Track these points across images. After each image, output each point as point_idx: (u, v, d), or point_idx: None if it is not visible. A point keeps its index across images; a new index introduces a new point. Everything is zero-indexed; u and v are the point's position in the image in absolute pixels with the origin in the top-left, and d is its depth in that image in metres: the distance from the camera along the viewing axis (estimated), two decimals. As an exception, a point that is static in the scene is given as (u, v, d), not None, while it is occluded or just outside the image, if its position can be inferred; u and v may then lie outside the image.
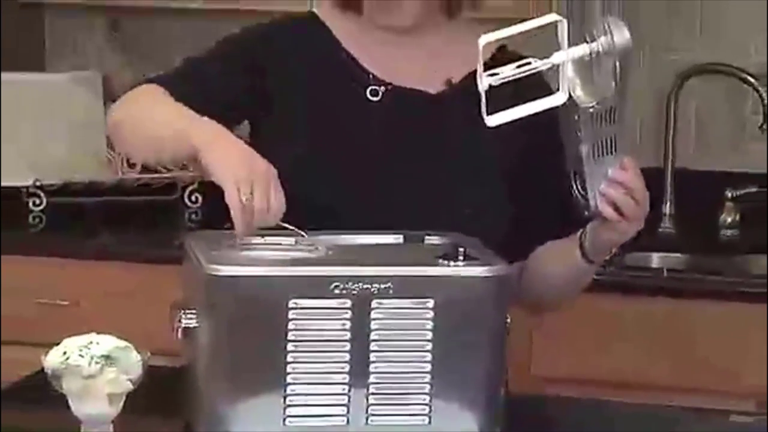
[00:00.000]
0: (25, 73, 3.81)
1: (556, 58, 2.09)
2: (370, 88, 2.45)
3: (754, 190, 3.63)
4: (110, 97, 3.83)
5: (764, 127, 3.57)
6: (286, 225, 2.17)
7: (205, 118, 2.26)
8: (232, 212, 2.13)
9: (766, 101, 3.57)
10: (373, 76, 2.46)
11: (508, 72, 2.09)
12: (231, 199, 2.13)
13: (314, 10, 2.52)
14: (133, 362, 2.07)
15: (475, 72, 2.39)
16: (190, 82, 2.42)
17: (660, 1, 3.73)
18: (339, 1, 2.47)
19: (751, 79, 3.60)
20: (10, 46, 3.83)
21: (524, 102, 2.09)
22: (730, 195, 3.65)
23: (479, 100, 2.10)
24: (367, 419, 2.09)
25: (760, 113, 3.57)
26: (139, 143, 2.41)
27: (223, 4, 3.48)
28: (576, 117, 2.15)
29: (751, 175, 3.67)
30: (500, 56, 2.12)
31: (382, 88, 2.45)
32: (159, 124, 2.33)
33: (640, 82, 3.69)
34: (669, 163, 3.69)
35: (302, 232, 2.17)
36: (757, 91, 3.58)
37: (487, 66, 2.07)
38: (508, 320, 2.15)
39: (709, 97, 3.74)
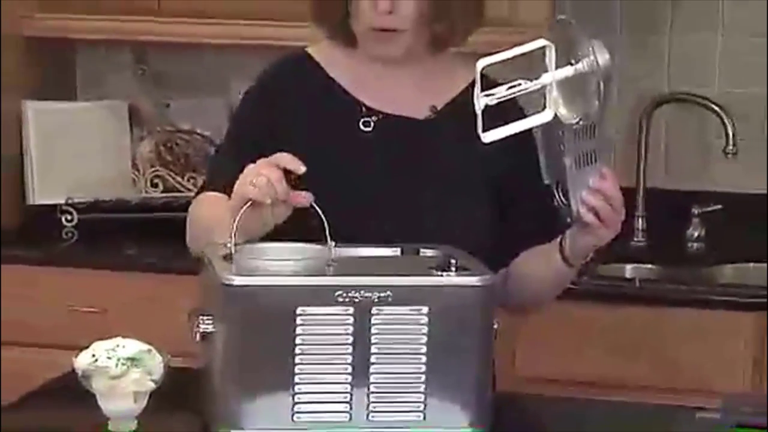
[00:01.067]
0: (58, 102, 3.81)
1: (544, 79, 2.09)
2: (362, 119, 2.45)
3: (718, 207, 3.63)
4: (135, 123, 3.85)
5: (727, 150, 3.57)
6: (314, 206, 2.16)
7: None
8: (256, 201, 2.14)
9: (728, 127, 3.57)
10: (365, 106, 2.45)
11: (502, 92, 2.09)
12: (245, 190, 2.15)
13: (307, 49, 2.52)
14: (155, 364, 2.07)
15: (455, 99, 2.42)
16: (224, 175, 2.36)
17: (633, 36, 3.73)
18: (338, 37, 2.47)
19: (715, 107, 3.60)
20: (45, 78, 3.84)
21: (507, 121, 2.10)
22: (696, 212, 3.64)
23: (462, 123, 2.11)
24: (367, 415, 2.08)
25: (723, 138, 3.57)
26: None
27: (236, 40, 3.48)
28: (560, 132, 2.15)
29: (715, 194, 3.67)
30: (482, 81, 2.13)
31: (374, 117, 2.45)
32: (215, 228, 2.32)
33: (615, 110, 3.69)
34: (641, 182, 3.69)
35: (321, 214, 2.16)
36: (721, 117, 3.58)
37: (472, 89, 2.08)
38: (496, 325, 2.15)
39: (677, 123, 3.74)
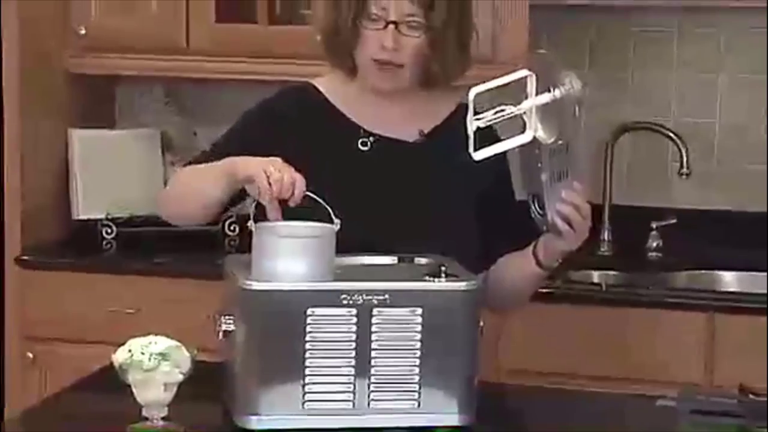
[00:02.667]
0: (99, 130, 3.80)
1: (525, 104, 2.09)
2: (360, 140, 2.45)
3: (673, 221, 3.63)
4: (166, 148, 3.85)
5: (681, 172, 3.57)
6: (315, 197, 2.15)
7: (227, 158, 2.29)
8: (261, 194, 2.15)
9: (683, 151, 3.57)
10: (363, 129, 2.45)
11: (490, 116, 2.11)
12: (261, 181, 2.15)
13: (311, 80, 2.51)
14: (183, 358, 2.06)
15: (440, 125, 2.42)
16: (217, 158, 2.39)
17: (600, 72, 3.73)
18: (342, 67, 2.46)
19: (671, 134, 3.60)
20: (88, 109, 3.83)
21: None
22: (654, 225, 3.64)
23: (446, 146, 2.11)
24: (368, 403, 2.07)
25: (678, 161, 3.57)
26: (188, 206, 2.41)
27: (255, 76, 3.48)
28: (537, 151, 2.15)
29: (671, 210, 3.66)
30: (460, 110, 2.14)
31: (371, 138, 2.45)
32: (199, 183, 2.35)
33: (585, 136, 3.68)
34: (607, 199, 3.68)
35: (329, 208, 2.15)
36: (676, 143, 3.58)
37: (453, 117, 2.09)
38: (481, 323, 2.14)
39: (638, 148, 3.73)
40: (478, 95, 2.10)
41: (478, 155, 2.09)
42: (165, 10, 3.62)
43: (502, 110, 2.11)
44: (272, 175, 2.15)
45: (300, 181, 2.17)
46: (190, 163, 2.50)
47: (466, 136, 2.10)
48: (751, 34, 3.68)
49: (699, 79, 3.73)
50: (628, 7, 3.56)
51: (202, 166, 2.38)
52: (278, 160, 2.20)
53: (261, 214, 2.18)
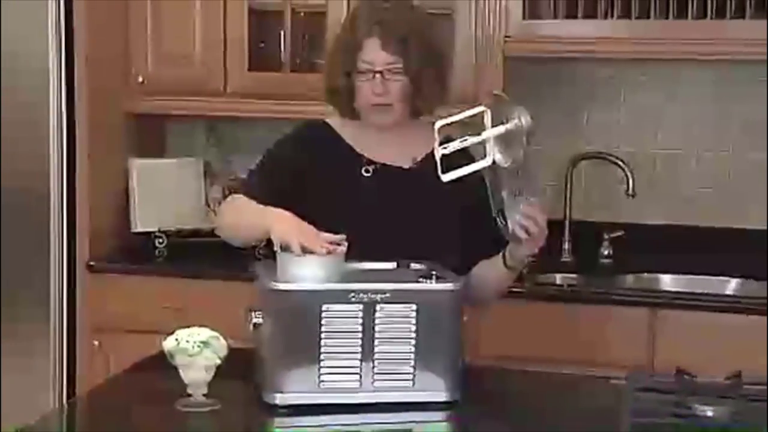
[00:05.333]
0: (152, 159, 3.80)
1: (484, 135, 2.10)
2: (363, 167, 2.44)
3: (622, 233, 3.62)
4: (207, 174, 3.84)
5: (628, 192, 3.55)
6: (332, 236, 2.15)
7: (270, 208, 2.26)
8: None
9: (629, 176, 3.55)
10: (366, 158, 2.44)
11: (455, 145, 2.11)
12: (295, 248, 2.11)
13: (324, 118, 2.50)
14: (221, 346, 2.05)
15: (430, 153, 2.41)
16: (256, 187, 2.40)
17: (560, 111, 3.72)
18: (346, 114, 2.45)
19: (620, 162, 3.59)
20: (144, 142, 3.83)
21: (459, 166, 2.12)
22: (606, 236, 3.62)
23: (435, 171, 2.11)
24: (372, 383, 2.07)
25: (625, 183, 3.56)
26: (236, 234, 2.40)
27: (281, 114, 3.47)
28: (498, 174, 2.15)
29: (620, 224, 3.65)
30: (443, 138, 2.15)
31: (372, 166, 2.44)
32: (247, 220, 2.32)
33: (549, 163, 3.68)
34: (567, 215, 3.66)
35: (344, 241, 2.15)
36: (623, 169, 3.57)
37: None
38: (465, 317, 2.13)
39: (592, 173, 3.72)
40: (446, 126, 2.13)
41: (445, 177, 2.10)
42: (207, 62, 3.62)
43: (465, 140, 2.12)
44: (295, 247, 2.11)
45: (322, 241, 2.13)
46: (243, 185, 2.49)
47: (452, 158, 2.11)
48: (684, 83, 3.67)
49: (641, 117, 3.72)
50: (584, 59, 3.56)
51: (250, 207, 2.33)
52: (308, 229, 2.16)
53: None
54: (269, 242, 2.21)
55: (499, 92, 2.22)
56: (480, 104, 2.12)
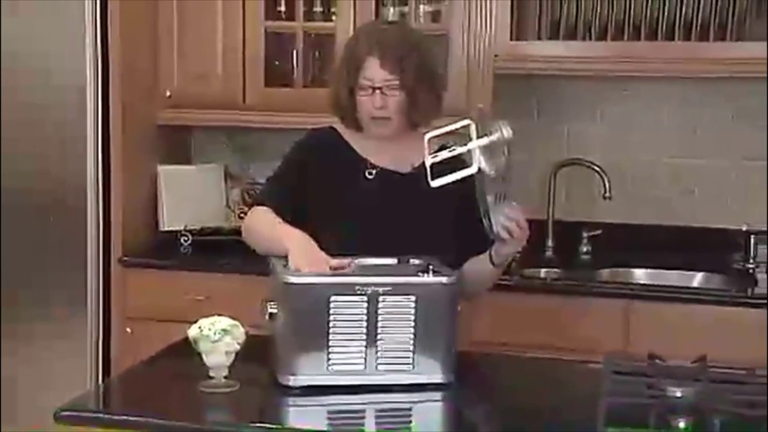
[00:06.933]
0: (178, 166, 3.79)
1: (470, 145, 2.09)
2: (367, 171, 2.43)
3: (599, 232, 3.61)
4: (228, 178, 3.83)
5: (605, 195, 3.55)
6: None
7: (286, 228, 2.25)
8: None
9: (606, 181, 3.54)
10: (369, 163, 2.43)
11: (444, 154, 2.11)
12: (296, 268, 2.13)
13: (333, 125, 2.49)
14: (240, 333, 2.05)
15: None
16: (273, 196, 2.40)
17: (545, 121, 3.71)
18: (350, 126, 2.44)
19: (597, 168, 3.58)
20: (171, 150, 3.82)
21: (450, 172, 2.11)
22: (585, 234, 3.62)
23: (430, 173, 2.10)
24: (376, 366, 2.06)
25: (602, 187, 3.55)
26: (258, 246, 2.36)
27: (293, 125, 3.46)
28: (483, 179, 2.14)
29: (598, 223, 3.64)
30: (434, 147, 2.15)
31: (375, 170, 2.43)
32: (266, 236, 2.30)
33: (535, 169, 3.67)
34: (550, 216, 3.66)
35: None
36: (601, 175, 3.56)
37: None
38: (459, 308, 2.12)
39: (573, 177, 3.71)
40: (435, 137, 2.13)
41: (435, 183, 2.09)
42: (227, 78, 3.60)
43: (453, 149, 2.10)
44: (302, 269, 2.11)
45: (324, 265, 2.13)
46: (261, 194, 2.49)
47: (448, 164, 2.09)
48: (655, 98, 3.66)
49: (616, 128, 3.71)
50: (565, 76, 3.55)
51: (268, 226, 2.31)
52: (317, 255, 2.15)
53: None
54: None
55: (482, 106, 2.22)
56: (466, 117, 2.11)
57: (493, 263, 2.34)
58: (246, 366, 2.06)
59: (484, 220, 2.20)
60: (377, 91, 2.36)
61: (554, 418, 1.98)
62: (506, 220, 2.19)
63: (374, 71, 2.35)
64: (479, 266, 2.39)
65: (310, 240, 2.21)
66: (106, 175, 3.50)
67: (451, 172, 2.11)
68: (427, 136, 2.11)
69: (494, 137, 2.07)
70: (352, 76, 2.38)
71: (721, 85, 3.54)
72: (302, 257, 2.15)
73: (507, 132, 2.06)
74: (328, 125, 2.50)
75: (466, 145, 2.09)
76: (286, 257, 2.16)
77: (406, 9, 3.53)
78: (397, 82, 2.35)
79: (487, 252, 2.34)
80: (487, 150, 2.09)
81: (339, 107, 2.43)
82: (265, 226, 2.33)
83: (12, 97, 3.46)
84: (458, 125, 2.09)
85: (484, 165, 2.09)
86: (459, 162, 2.15)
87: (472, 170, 2.09)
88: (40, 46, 3.42)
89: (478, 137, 2.07)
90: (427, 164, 2.09)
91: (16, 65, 3.45)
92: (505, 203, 2.18)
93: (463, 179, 2.11)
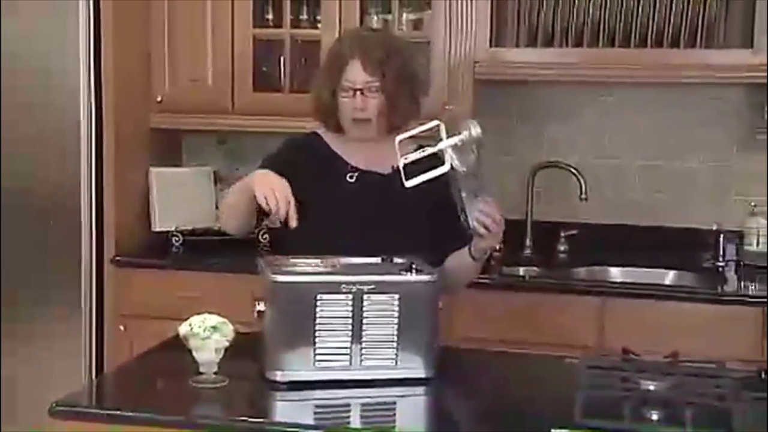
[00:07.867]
0: (170, 168, 3.79)
1: (440, 145, 2.09)
2: (348, 173, 2.43)
3: (576, 232, 3.62)
4: (217, 180, 3.83)
5: (581, 197, 3.56)
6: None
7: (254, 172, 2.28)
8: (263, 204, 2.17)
9: (582, 182, 3.56)
10: (350, 165, 2.43)
11: (415, 155, 2.11)
12: (260, 198, 2.18)
13: (316, 129, 2.50)
14: (229, 330, 2.04)
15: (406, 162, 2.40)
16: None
17: (525, 125, 3.72)
18: (331, 128, 2.45)
19: (574, 170, 3.59)
20: (162, 153, 3.81)
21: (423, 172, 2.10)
22: (563, 234, 3.63)
23: (410, 177, 2.10)
24: (361, 362, 2.05)
25: (579, 189, 3.56)
26: (229, 221, 2.39)
27: (281, 129, 3.45)
28: (456, 177, 2.13)
29: (574, 224, 3.65)
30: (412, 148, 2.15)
31: (356, 172, 2.43)
32: (235, 197, 2.34)
33: (514, 171, 3.68)
34: (529, 216, 3.67)
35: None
36: (577, 177, 3.57)
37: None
38: (440, 305, 2.12)
39: (551, 179, 3.72)
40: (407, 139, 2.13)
41: (409, 183, 2.08)
42: (217, 83, 3.61)
43: (424, 150, 2.11)
44: (269, 197, 2.14)
45: (289, 198, 2.16)
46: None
47: (424, 163, 2.09)
48: (628, 103, 3.68)
49: (592, 132, 3.72)
50: (543, 81, 3.56)
51: (237, 184, 2.36)
52: (279, 182, 2.18)
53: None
54: (270, 234, 2.21)
55: (452, 108, 2.22)
56: (436, 119, 2.10)
57: (473, 257, 2.34)
58: (235, 362, 2.05)
59: (461, 216, 2.20)
60: (358, 93, 2.36)
61: (532, 411, 1.98)
62: (481, 216, 2.19)
63: (356, 73, 2.36)
64: (460, 261, 2.39)
65: (270, 172, 2.24)
66: (100, 178, 3.49)
67: (425, 172, 2.11)
68: (398, 138, 2.12)
69: (463, 136, 2.07)
70: (334, 78, 2.38)
71: (691, 90, 3.57)
72: (266, 185, 2.17)
73: (476, 130, 2.07)
74: (311, 130, 2.50)
75: (437, 144, 2.09)
76: (259, 214, 2.14)
77: (389, 17, 3.54)
78: (377, 85, 2.36)
79: (467, 248, 2.34)
80: (458, 149, 2.09)
81: (321, 110, 2.43)
82: (231, 192, 2.37)
83: (12, 97, 3.45)
84: (428, 126, 2.10)
85: (456, 163, 2.09)
86: (436, 161, 2.15)
87: (444, 169, 2.09)
88: (39, 46, 3.41)
89: (448, 137, 2.07)
90: (400, 165, 2.09)
91: (16, 65, 3.43)
92: (479, 199, 2.18)
93: (440, 177, 2.11)
